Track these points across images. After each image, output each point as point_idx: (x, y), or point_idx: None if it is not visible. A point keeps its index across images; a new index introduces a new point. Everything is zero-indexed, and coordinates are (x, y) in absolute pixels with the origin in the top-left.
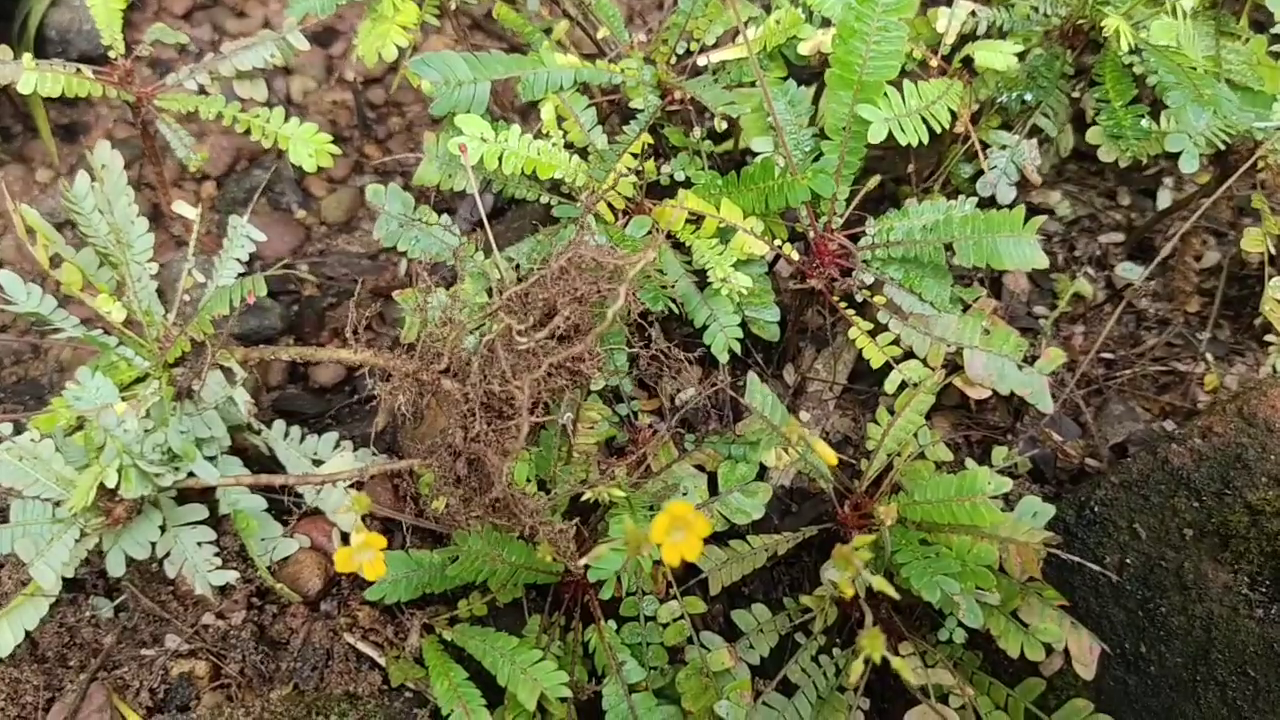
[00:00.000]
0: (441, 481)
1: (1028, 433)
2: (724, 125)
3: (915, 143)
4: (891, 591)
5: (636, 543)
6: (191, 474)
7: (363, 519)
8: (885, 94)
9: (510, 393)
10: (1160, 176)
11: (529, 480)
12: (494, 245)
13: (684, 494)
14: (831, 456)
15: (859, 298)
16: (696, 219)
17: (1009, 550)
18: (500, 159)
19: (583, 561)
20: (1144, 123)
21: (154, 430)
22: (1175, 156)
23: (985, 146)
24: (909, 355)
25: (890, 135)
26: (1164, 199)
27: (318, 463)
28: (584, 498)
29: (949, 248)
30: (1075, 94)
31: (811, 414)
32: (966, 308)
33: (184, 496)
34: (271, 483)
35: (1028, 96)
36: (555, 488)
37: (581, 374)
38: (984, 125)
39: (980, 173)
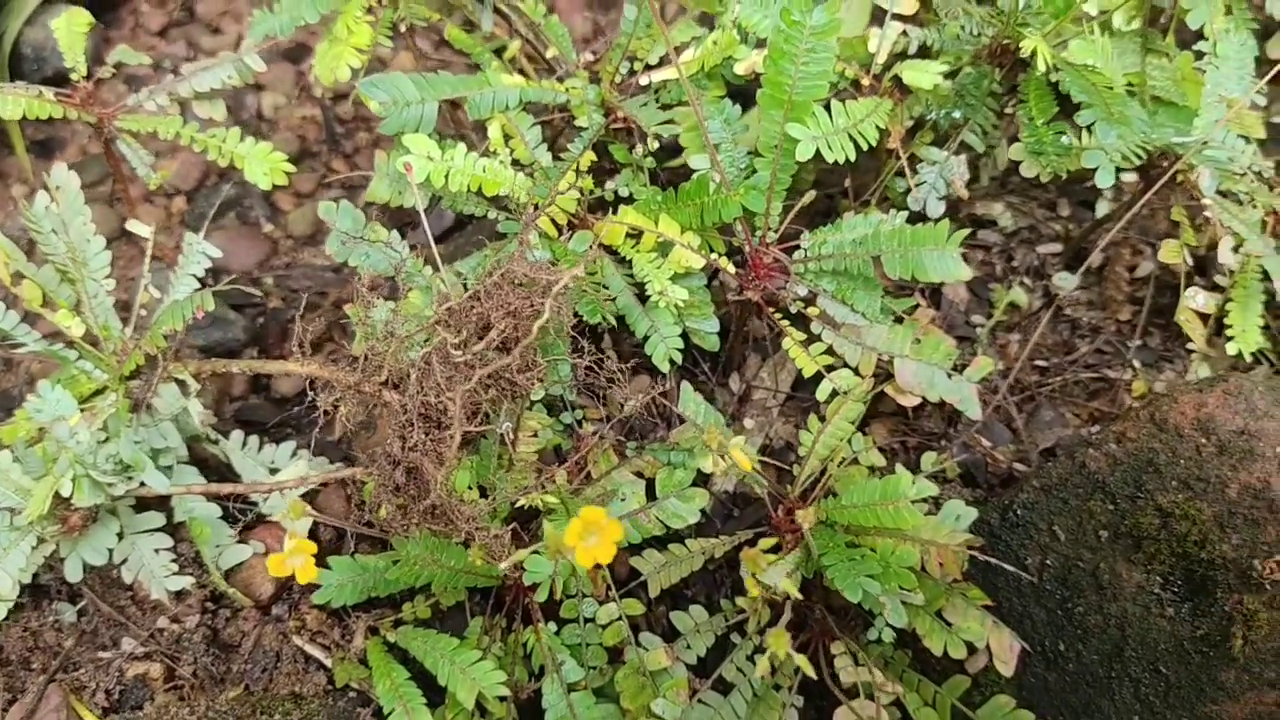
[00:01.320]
0: (382, 489)
1: (960, 439)
2: (655, 144)
3: (843, 160)
4: (795, 593)
5: (556, 546)
6: (144, 483)
7: (316, 525)
8: (814, 113)
9: (445, 404)
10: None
11: (470, 487)
12: (438, 260)
13: (622, 500)
14: (746, 463)
15: (794, 309)
16: (637, 234)
17: (930, 552)
18: (447, 177)
19: (503, 566)
20: (1064, 139)
21: (107, 441)
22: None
23: (918, 162)
24: (844, 364)
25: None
26: (1102, 210)
27: (274, 471)
28: (518, 503)
29: (877, 260)
30: (1010, 110)
31: (755, 421)
32: (900, 318)
33: (142, 504)
34: (220, 491)
35: (956, 114)
36: (495, 494)
37: (518, 385)
38: (918, 141)
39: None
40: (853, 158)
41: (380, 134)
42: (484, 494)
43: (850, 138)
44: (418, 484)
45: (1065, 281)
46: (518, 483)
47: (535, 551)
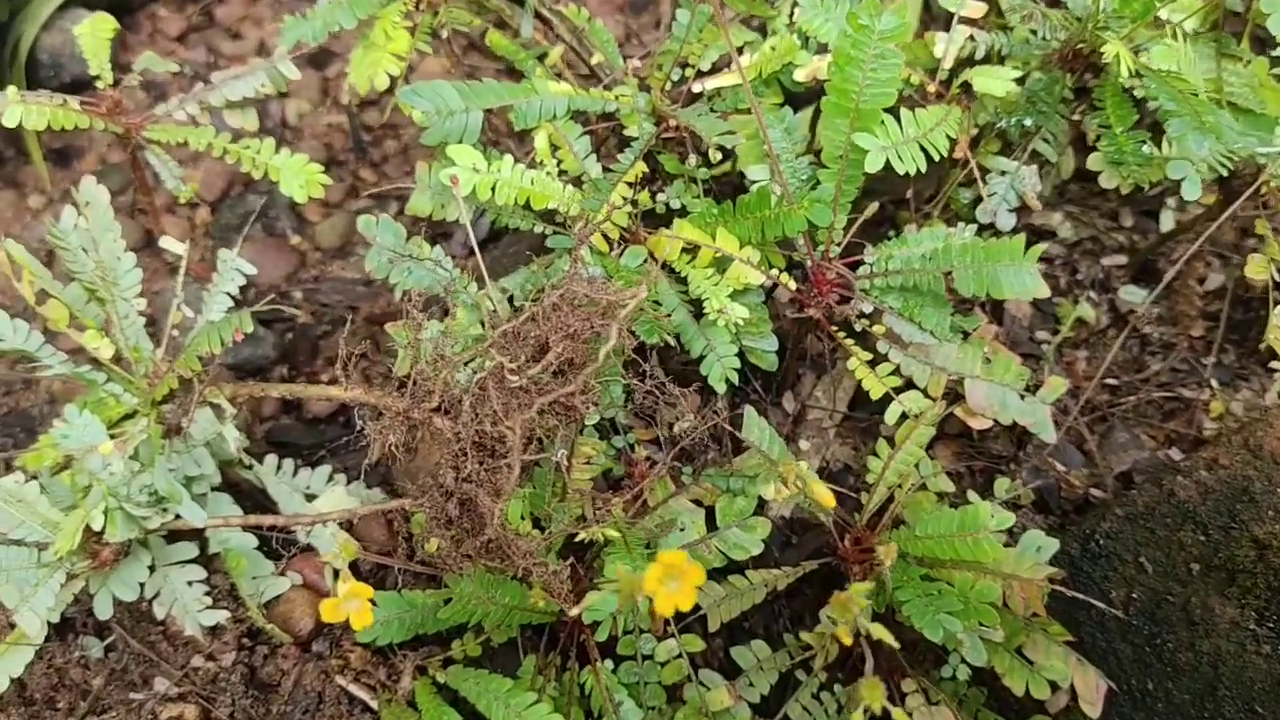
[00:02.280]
0: (433, 523)
1: (1031, 462)
2: (719, 155)
3: (913, 171)
4: (892, 640)
5: (631, 590)
6: (179, 515)
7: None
8: (883, 122)
9: (502, 432)
10: (1163, 197)
11: (523, 518)
12: (486, 278)
13: (681, 530)
14: (829, 498)
15: (858, 327)
16: (692, 248)
17: (1012, 586)
18: (493, 189)
19: (574, 612)
20: (1145, 149)
21: (141, 471)
22: (1178, 180)
23: (985, 172)
24: (909, 385)
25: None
26: (1167, 221)
27: (310, 497)
28: (579, 537)
29: (948, 276)
30: (1076, 116)
31: (811, 442)
32: (967, 335)
33: (174, 535)
34: (260, 523)
35: (1027, 121)
36: (550, 526)
37: (575, 410)
38: (984, 150)
39: (980, 198)
40: (923, 168)
41: (409, 143)
42: (537, 525)
43: (921, 148)
44: (472, 517)
45: (1134, 296)
46: (572, 512)
47: (608, 592)
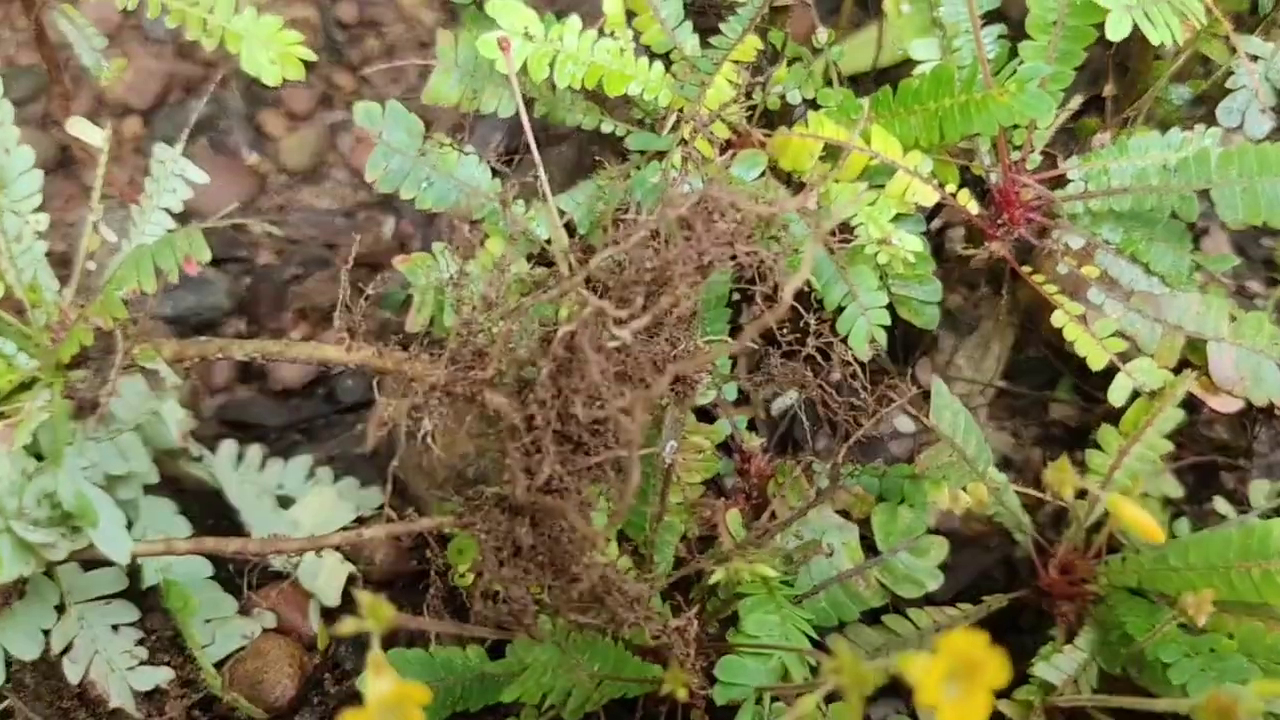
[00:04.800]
0: (492, 555)
1: (1269, 457)
2: (906, 6)
3: (1169, 41)
4: None
5: (859, 689)
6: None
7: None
8: None
9: (604, 416)
10: None
11: (609, 541)
12: (547, 188)
13: (828, 555)
14: (1156, 530)
15: (1062, 268)
16: (833, 154)
17: None
18: (552, 65)
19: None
20: None
21: (39, 472)
22: None
23: (1208, 63)
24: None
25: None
26: None
27: (285, 501)
28: (714, 579)
29: (1204, 197)
30: None
31: None
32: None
33: (92, 560)
34: (220, 551)
35: None
36: (655, 556)
37: (686, 382)
38: (1214, 30)
39: (1210, 96)
40: (1179, 39)
41: (395, 43)
42: (635, 555)
43: (1175, 11)
44: (549, 545)
45: None
46: (675, 531)
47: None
